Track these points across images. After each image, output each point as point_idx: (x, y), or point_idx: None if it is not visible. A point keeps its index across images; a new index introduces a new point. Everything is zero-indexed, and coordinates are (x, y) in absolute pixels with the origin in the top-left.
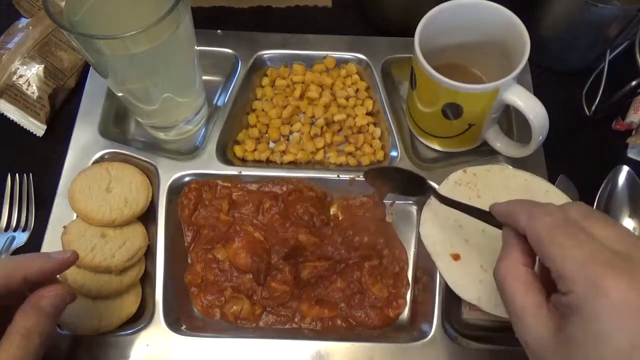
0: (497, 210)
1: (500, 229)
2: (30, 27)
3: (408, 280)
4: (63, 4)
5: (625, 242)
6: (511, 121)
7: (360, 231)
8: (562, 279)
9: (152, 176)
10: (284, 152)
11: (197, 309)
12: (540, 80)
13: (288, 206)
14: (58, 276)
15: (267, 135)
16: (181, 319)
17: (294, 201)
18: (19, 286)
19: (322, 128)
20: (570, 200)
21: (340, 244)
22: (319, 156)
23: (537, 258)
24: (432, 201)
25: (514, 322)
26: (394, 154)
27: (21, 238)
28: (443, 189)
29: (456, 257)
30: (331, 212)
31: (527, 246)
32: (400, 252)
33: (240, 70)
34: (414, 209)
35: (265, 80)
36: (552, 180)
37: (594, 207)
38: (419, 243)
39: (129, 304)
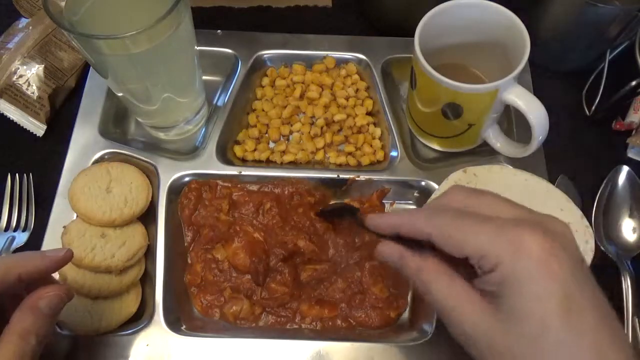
0: (377, 223)
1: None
2: (30, 27)
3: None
4: (63, 4)
5: (515, 208)
6: (511, 121)
7: (360, 232)
8: (484, 258)
9: (152, 176)
10: (284, 152)
11: (197, 309)
12: (540, 80)
13: (289, 210)
14: (59, 277)
15: (267, 135)
16: (181, 319)
17: (295, 205)
18: (14, 285)
19: (322, 128)
20: (570, 200)
21: (341, 246)
22: (319, 156)
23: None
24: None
25: (446, 316)
26: (394, 154)
27: (21, 238)
28: (443, 189)
29: None
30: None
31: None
32: None
33: (240, 70)
34: (414, 208)
35: (265, 80)
36: (552, 180)
37: (594, 207)
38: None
39: (129, 304)
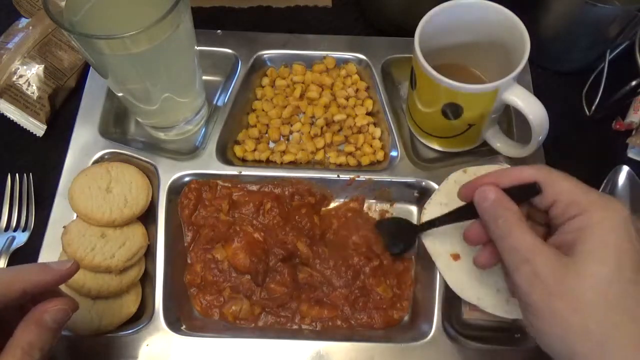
0: (478, 182)
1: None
2: (30, 27)
3: (412, 280)
4: (63, 4)
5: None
6: (511, 121)
7: (353, 232)
8: (574, 203)
9: (152, 176)
10: (284, 152)
11: (197, 309)
12: (540, 80)
13: (290, 210)
14: None
15: (267, 135)
16: (181, 319)
17: (297, 206)
18: (18, 299)
19: (322, 128)
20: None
21: (333, 267)
22: (319, 156)
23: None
24: (432, 201)
25: (521, 258)
26: (394, 154)
27: (21, 238)
28: (443, 189)
29: (456, 257)
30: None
31: None
32: None
33: (240, 70)
34: (414, 209)
35: (265, 80)
36: None
37: None
38: (419, 243)
39: (129, 304)
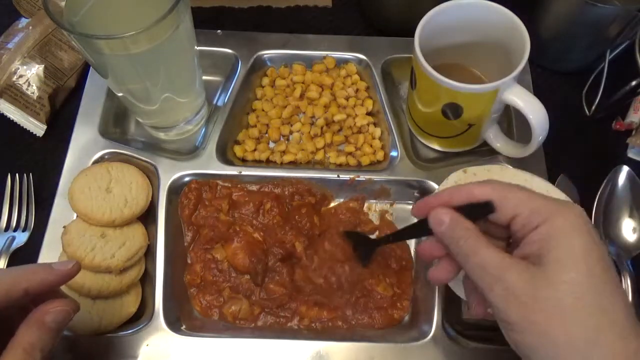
0: (428, 202)
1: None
2: (30, 27)
3: (412, 279)
4: (63, 4)
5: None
6: (511, 121)
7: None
8: (535, 213)
9: (152, 176)
10: (284, 152)
11: (196, 309)
12: (540, 80)
13: (290, 210)
14: None
15: (267, 135)
16: (181, 319)
17: (298, 206)
18: (20, 299)
19: (322, 128)
20: (570, 200)
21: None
22: (319, 156)
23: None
24: None
25: (491, 275)
26: (394, 154)
27: (21, 238)
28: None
29: None
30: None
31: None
32: (403, 251)
33: (240, 70)
34: None
35: (265, 80)
36: (552, 180)
37: (594, 207)
38: (419, 243)
39: (129, 304)
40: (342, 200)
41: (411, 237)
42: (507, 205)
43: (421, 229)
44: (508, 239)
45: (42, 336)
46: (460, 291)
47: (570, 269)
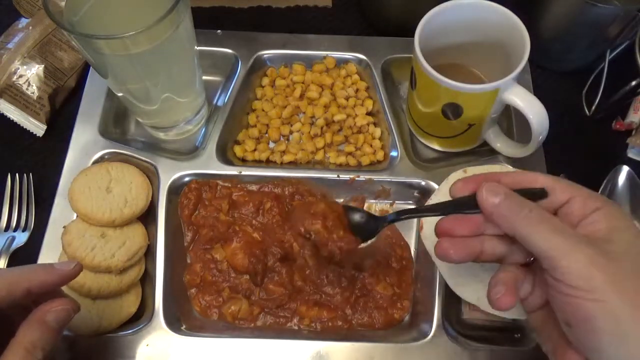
0: (461, 185)
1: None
2: (30, 27)
3: (412, 279)
4: (63, 4)
5: None
6: (511, 121)
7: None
8: (591, 198)
9: (152, 176)
10: (284, 152)
11: (196, 309)
12: (540, 80)
13: (290, 210)
14: None
15: (267, 135)
16: (181, 319)
17: (297, 206)
18: (22, 298)
19: (322, 128)
20: None
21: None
22: (319, 156)
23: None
24: (432, 201)
25: (568, 240)
26: (394, 154)
27: (21, 238)
28: (443, 189)
29: None
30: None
31: None
32: (403, 251)
33: (240, 70)
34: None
35: (265, 80)
36: None
37: None
38: (419, 243)
39: (129, 304)
40: (342, 200)
41: (439, 214)
42: (561, 188)
43: (456, 205)
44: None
45: (43, 335)
46: (460, 291)
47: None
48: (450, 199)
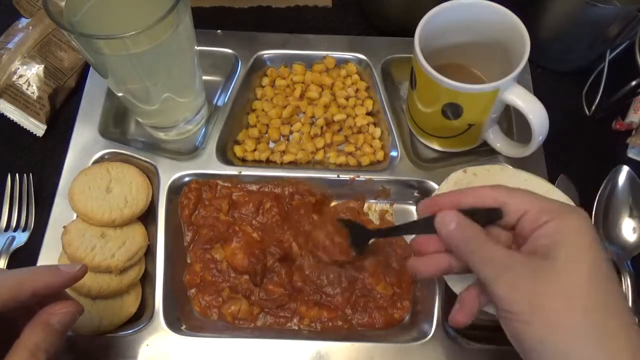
0: (435, 202)
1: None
2: (30, 27)
3: (413, 279)
4: (63, 4)
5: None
6: (511, 121)
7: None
8: (544, 211)
9: (152, 176)
10: (284, 152)
11: (196, 309)
12: (540, 80)
13: (289, 210)
14: None
15: (267, 135)
16: (181, 319)
17: (297, 206)
18: (27, 300)
19: (322, 128)
20: (570, 200)
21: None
22: (319, 156)
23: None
24: None
25: (496, 267)
26: (393, 154)
27: (21, 238)
28: (443, 189)
29: None
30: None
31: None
32: (404, 251)
33: (240, 70)
34: (414, 209)
35: (265, 80)
36: (552, 180)
37: (594, 207)
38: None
39: (129, 304)
40: (342, 200)
41: (411, 233)
42: (517, 202)
43: (424, 226)
44: (510, 245)
45: (48, 337)
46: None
47: (580, 263)
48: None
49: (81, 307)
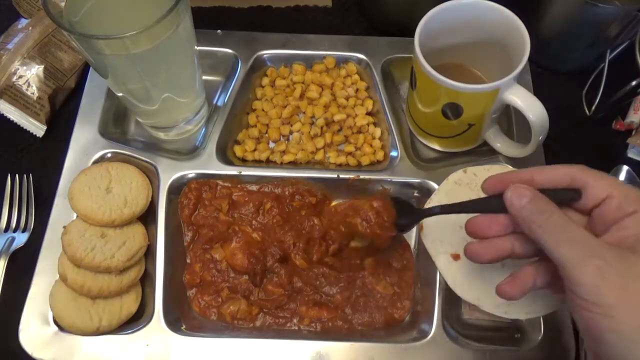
0: (507, 178)
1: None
2: (30, 28)
3: (413, 279)
4: (63, 4)
5: None
6: (511, 121)
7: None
8: (629, 199)
9: (152, 176)
10: (284, 152)
11: (195, 309)
12: (540, 80)
13: (290, 211)
14: (59, 277)
15: (267, 135)
16: (181, 319)
17: (297, 208)
18: None
19: (322, 128)
20: None
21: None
22: (319, 156)
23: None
24: (432, 201)
25: (580, 251)
26: (394, 154)
27: (21, 238)
28: (443, 189)
29: (456, 257)
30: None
31: None
32: (404, 250)
33: (240, 70)
34: None
35: (265, 80)
36: None
37: None
38: (419, 243)
39: (129, 304)
40: (342, 200)
41: (471, 212)
42: (600, 185)
43: (487, 203)
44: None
45: None
46: (460, 291)
47: None
48: (448, 199)
49: None
